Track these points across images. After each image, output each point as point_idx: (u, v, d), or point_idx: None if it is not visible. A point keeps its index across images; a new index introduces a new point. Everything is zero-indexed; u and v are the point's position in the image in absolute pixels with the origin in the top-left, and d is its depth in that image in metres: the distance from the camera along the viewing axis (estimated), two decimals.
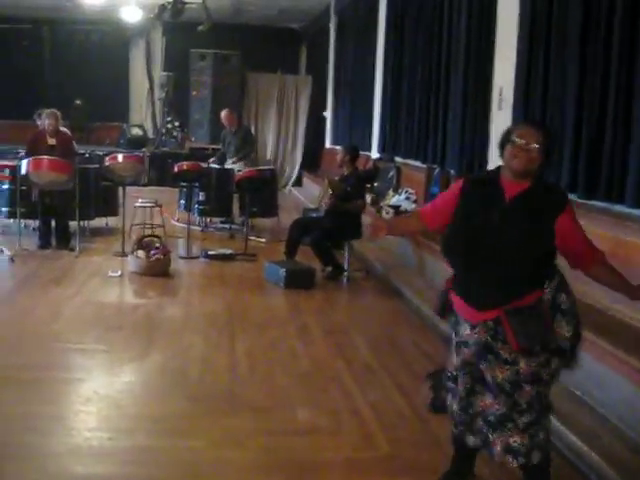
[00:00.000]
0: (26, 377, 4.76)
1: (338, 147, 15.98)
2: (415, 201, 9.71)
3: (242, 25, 18.49)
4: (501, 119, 7.43)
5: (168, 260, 7.98)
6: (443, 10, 9.46)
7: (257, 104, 17.82)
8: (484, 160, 7.92)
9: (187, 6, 15.38)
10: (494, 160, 7.62)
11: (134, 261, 7.89)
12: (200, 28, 16.68)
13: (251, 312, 6.63)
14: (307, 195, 15.28)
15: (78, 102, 18.51)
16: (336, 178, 8.17)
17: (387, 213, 9.10)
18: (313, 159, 17.66)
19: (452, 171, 8.90)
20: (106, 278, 7.65)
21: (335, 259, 8.00)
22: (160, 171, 15.89)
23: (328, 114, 17.06)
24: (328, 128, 17.07)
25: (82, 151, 15.75)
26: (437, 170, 9.18)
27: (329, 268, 7.97)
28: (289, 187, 17.14)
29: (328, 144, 17.05)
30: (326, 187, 7.96)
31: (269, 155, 17.53)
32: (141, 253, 7.87)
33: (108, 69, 18.77)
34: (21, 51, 18.64)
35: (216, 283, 7.72)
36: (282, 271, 7.50)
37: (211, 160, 11.44)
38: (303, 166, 17.68)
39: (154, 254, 7.87)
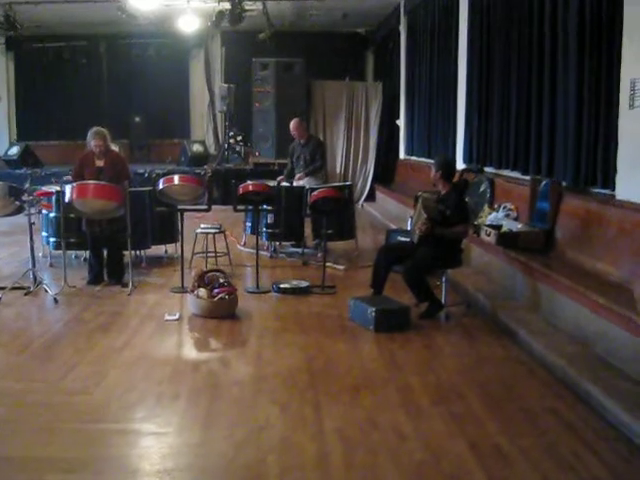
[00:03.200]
0: None
1: (413, 157, 14.82)
2: (516, 218, 8.32)
3: (305, 32, 17.55)
4: (634, 118, 6.06)
5: (234, 299, 6.78)
6: None
7: (324, 114, 16.60)
8: (610, 168, 6.54)
9: (246, 13, 14.42)
10: (625, 168, 6.28)
11: (194, 302, 6.71)
12: (261, 36, 15.83)
13: (338, 368, 5.33)
14: (383, 211, 14.03)
15: (137, 119, 17.85)
16: (431, 197, 6.85)
17: (488, 234, 7.73)
18: (387, 171, 16.38)
19: (564, 183, 7.51)
20: (162, 323, 6.49)
21: (433, 294, 6.69)
22: (224, 189, 14.90)
23: (401, 122, 15.75)
24: (402, 137, 15.75)
25: (141, 171, 15.02)
26: (545, 182, 7.77)
27: (424, 303, 6.69)
28: (361, 202, 15.87)
29: (402, 154, 15.74)
30: (420, 210, 6.65)
31: (338, 168, 16.30)
32: (203, 292, 6.69)
33: (167, 83, 18.19)
34: (77, 68, 18.12)
35: (291, 326, 6.46)
36: (371, 311, 6.22)
37: (280, 178, 10.24)
38: (376, 179, 16.40)
39: (218, 293, 6.68)
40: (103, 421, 4.30)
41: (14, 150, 16.42)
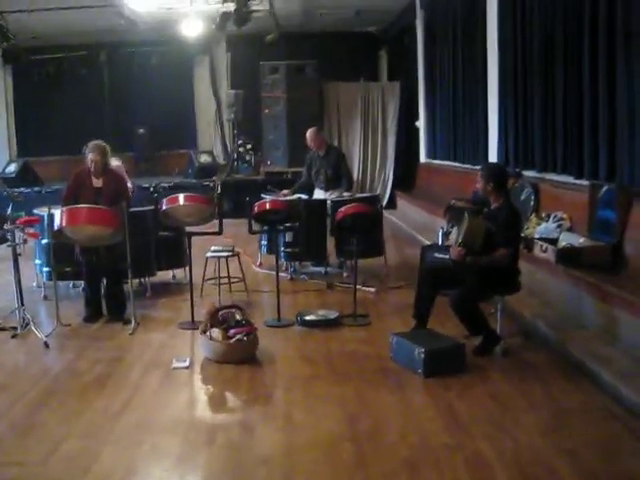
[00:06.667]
0: None
1: (436, 161, 13.78)
2: (570, 229, 7.29)
3: (315, 32, 16.58)
4: None
5: (254, 340, 5.73)
6: None
7: (339, 117, 15.66)
8: None
9: (252, 15, 13.43)
10: None
11: (207, 344, 5.68)
12: (268, 38, 14.85)
13: (389, 433, 4.25)
14: (406, 219, 13.04)
15: (141, 130, 16.94)
16: (481, 211, 5.79)
17: (544, 250, 6.69)
18: (407, 176, 15.37)
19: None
20: (169, 372, 5.47)
21: (488, 325, 5.65)
22: (234, 202, 13.95)
23: (421, 124, 14.70)
24: (422, 139, 14.71)
25: (146, 185, 14.04)
26: (607, 187, 6.72)
27: (479, 337, 5.66)
28: None
29: (423, 158, 14.71)
30: (466, 227, 5.56)
31: (356, 175, 15.27)
32: (216, 333, 5.66)
33: (171, 92, 17.25)
34: (77, 80, 17.13)
35: (324, 372, 5.40)
36: (419, 352, 5.16)
37: (284, 192, 8.92)
38: (396, 185, 15.40)
39: (234, 333, 5.65)
40: None
41: (12, 167, 15.49)
